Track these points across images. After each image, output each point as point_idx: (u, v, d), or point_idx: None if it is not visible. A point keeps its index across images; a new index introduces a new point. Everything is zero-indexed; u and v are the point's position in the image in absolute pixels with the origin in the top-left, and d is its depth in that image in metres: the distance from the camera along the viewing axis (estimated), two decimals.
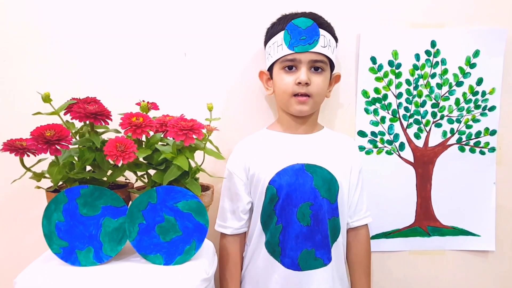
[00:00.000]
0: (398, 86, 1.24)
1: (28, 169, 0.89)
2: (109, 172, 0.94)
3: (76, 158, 0.91)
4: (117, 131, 0.97)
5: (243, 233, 1.13)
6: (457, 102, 1.25)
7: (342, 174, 1.09)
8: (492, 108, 1.26)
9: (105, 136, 0.96)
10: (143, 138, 0.92)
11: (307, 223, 1.04)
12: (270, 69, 1.11)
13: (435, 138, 1.27)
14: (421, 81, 1.24)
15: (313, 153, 1.08)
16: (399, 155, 1.27)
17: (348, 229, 1.15)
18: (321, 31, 1.04)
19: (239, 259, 1.13)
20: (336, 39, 1.11)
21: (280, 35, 1.06)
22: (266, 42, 1.13)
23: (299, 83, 1.04)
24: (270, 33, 1.10)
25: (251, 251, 1.11)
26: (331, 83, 1.14)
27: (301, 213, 1.03)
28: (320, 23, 1.06)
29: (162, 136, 0.95)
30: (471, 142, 1.27)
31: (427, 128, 1.26)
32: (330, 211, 1.06)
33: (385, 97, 1.24)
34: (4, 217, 1.22)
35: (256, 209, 1.09)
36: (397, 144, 1.26)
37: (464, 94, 1.25)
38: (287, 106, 1.08)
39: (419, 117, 1.25)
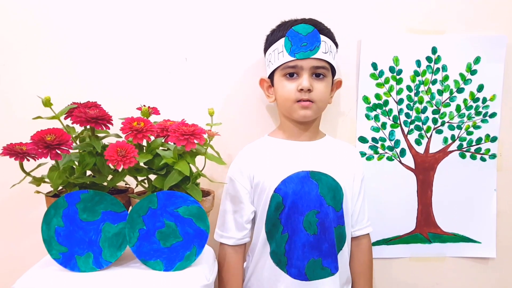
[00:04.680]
0: (399, 92, 1.24)
1: (28, 174, 0.89)
2: (110, 177, 0.93)
3: (76, 163, 0.90)
4: (118, 136, 0.96)
5: (244, 243, 1.10)
6: (458, 108, 1.25)
7: (346, 181, 1.08)
8: (493, 115, 1.26)
9: (105, 141, 0.96)
10: (144, 143, 0.91)
11: (313, 231, 1.02)
12: (271, 76, 1.10)
13: (436, 145, 1.27)
14: (422, 87, 1.24)
15: (317, 160, 1.07)
16: (400, 161, 1.27)
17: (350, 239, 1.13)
18: (322, 37, 1.04)
19: (241, 270, 1.11)
20: (336, 45, 1.10)
21: (281, 42, 1.05)
22: (266, 50, 1.12)
23: (302, 89, 1.02)
24: (270, 40, 1.09)
25: (254, 261, 1.08)
26: (333, 88, 1.13)
27: (307, 222, 1.02)
28: (321, 29, 1.05)
29: (163, 141, 0.95)
30: (472, 149, 1.27)
31: (428, 135, 1.26)
32: (335, 219, 1.05)
33: (386, 103, 1.24)
34: (3, 222, 1.21)
35: (259, 218, 1.07)
36: (398, 150, 1.26)
37: (465, 100, 1.25)
38: (290, 112, 1.07)
39: (420, 123, 1.25)
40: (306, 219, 1.02)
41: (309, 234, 1.02)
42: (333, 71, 1.10)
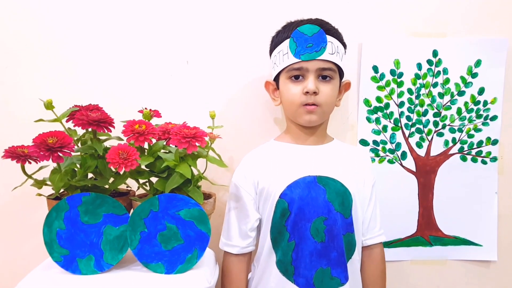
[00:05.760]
0: (400, 95, 1.24)
1: (30, 176, 0.89)
2: (111, 179, 0.94)
3: (78, 166, 0.90)
4: (120, 139, 0.97)
5: (249, 252, 1.07)
6: (459, 111, 1.25)
7: (355, 187, 1.04)
8: (494, 118, 1.26)
9: (107, 144, 0.96)
10: (146, 146, 0.91)
11: (321, 239, 0.99)
12: (276, 79, 1.07)
13: (437, 147, 1.27)
14: (423, 90, 1.24)
15: (324, 165, 1.04)
16: (401, 164, 1.27)
17: (361, 247, 1.09)
18: (329, 38, 1.00)
19: (244, 281, 1.07)
20: (344, 45, 1.07)
21: (286, 43, 1.02)
22: (271, 51, 1.09)
23: (307, 92, 0.99)
24: (275, 42, 1.06)
25: (260, 271, 1.05)
26: (341, 91, 1.10)
27: (315, 229, 0.98)
28: (327, 29, 1.01)
29: (164, 143, 0.95)
30: (473, 152, 1.27)
31: (429, 137, 1.26)
32: (344, 226, 1.01)
33: (387, 106, 1.24)
34: (4, 224, 1.21)
35: (265, 225, 1.04)
36: (399, 153, 1.26)
37: (465, 103, 1.25)
38: (296, 116, 1.04)
39: (421, 126, 1.25)
40: (313, 226, 0.99)
41: (317, 241, 0.99)
42: (340, 72, 1.06)
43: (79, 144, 0.95)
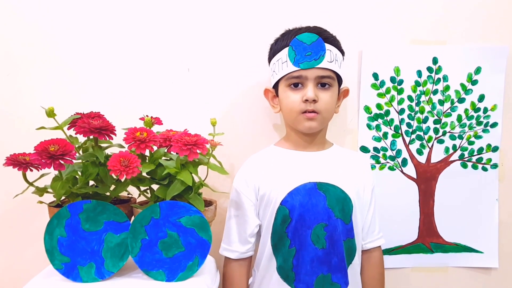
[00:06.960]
0: (400, 102, 1.24)
1: (31, 184, 0.89)
2: (112, 187, 0.94)
3: (79, 173, 0.91)
4: (121, 146, 0.97)
5: (249, 257, 1.07)
6: (459, 118, 1.25)
7: (355, 192, 1.05)
8: (494, 125, 1.26)
9: (108, 151, 0.96)
10: (147, 153, 0.92)
11: (322, 245, 0.99)
12: (276, 86, 1.08)
13: (438, 154, 1.27)
14: (423, 98, 1.24)
15: (324, 171, 1.04)
16: (402, 171, 1.27)
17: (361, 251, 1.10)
18: (327, 46, 1.01)
19: (245, 285, 1.08)
20: (342, 53, 1.08)
21: (284, 51, 1.02)
22: (270, 59, 1.09)
23: (306, 100, 1.00)
24: (274, 50, 1.07)
25: (260, 277, 1.06)
26: (340, 97, 1.11)
27: (315, 235, 0.99)
28: (326, 37, 1.02)
29: (165, 151, 0.95)
30: (474, 159, 1.27)
31: (430, 144, 1.26)
32: (344, 232, 1.02)
33: (387, 113, 1.25)
34: (5, 232, 1.21)
35: (265, 231, 1.04)
36: (399, 160, 1.26)
37: (466, 110, 1.25)
38: (295, 123, 1.05)
39: (421, 133, 1.26)
40: (314, 233, 0.99)
41: (318, 248, 0.99)
42: (339, 80, 1.07)
43: (81, 152, 0.95)
